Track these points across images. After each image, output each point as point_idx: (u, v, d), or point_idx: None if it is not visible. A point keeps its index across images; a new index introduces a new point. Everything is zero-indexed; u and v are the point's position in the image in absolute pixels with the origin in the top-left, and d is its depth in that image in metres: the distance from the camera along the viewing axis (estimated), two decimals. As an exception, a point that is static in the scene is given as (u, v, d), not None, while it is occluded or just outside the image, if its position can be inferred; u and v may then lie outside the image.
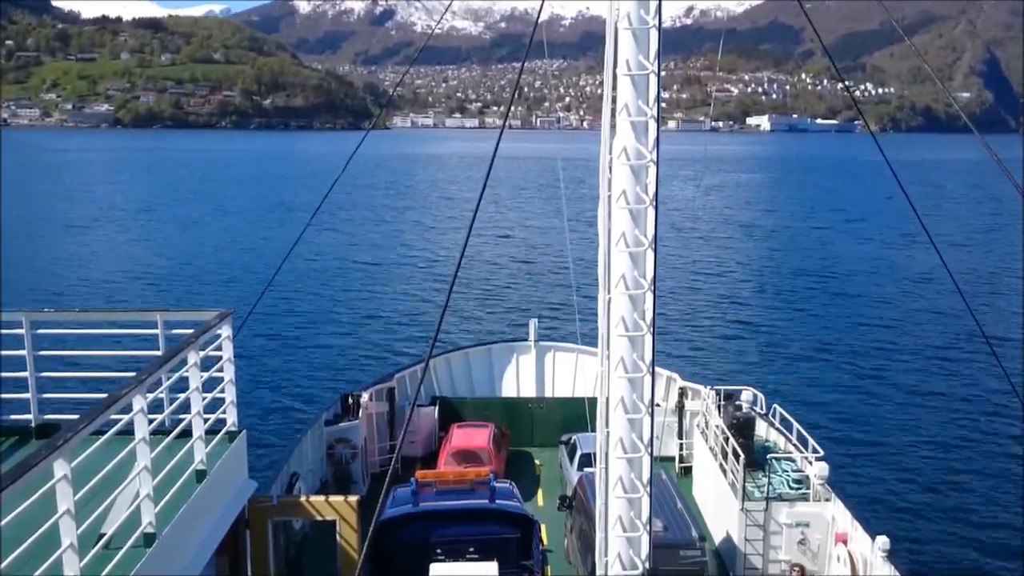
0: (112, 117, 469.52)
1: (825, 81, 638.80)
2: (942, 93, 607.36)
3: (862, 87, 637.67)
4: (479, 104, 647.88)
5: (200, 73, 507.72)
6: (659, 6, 8.93)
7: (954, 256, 69.91)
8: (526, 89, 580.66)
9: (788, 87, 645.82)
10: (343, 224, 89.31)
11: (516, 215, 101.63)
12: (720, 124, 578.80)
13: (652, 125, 9.04)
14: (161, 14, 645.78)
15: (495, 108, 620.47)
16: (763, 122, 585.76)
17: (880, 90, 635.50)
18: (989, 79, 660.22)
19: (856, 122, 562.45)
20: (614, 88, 9.21)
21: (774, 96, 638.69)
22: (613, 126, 9.23)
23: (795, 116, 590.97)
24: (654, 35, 8.93)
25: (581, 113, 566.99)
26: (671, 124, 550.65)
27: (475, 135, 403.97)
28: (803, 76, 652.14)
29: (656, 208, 9.12)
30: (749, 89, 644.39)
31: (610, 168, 9.27)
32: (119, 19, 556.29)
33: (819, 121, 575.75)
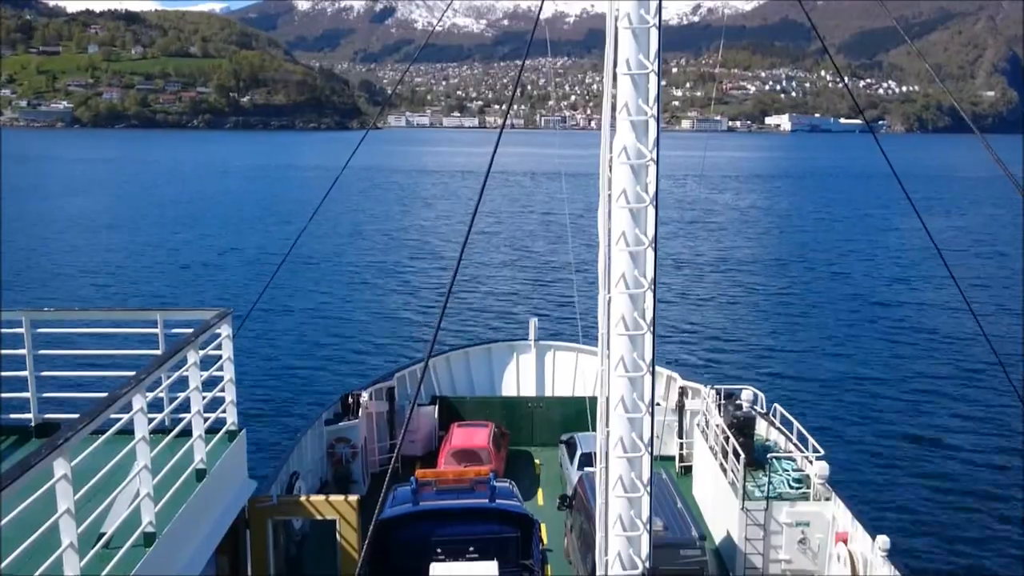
0: (70, 115, 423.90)
1: (846, 78, 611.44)
2: (963, 93, 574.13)
3: (885, 85, 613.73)
4: (480, 103, 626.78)
5: (172, 68, 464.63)
6: (659, 5, 8.91)
7: (957, 258, 69.89)
8: (529, 87, 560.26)
9: (807, 84, 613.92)
10: (343, 224, 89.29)
11: (516, 215, 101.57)
12: (737, 124, 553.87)
13: (652, 124, 9.02)
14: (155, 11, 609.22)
15: (496, 107, 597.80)
16: (783, 122, 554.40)
17: (904, 88, 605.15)
18: (1013, 77, 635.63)
19: (881, 122, 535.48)
20: (614, 87, 9.21)
21: (793, 94, 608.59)
22: (613, 126, 9.22)
23: (817, 115, 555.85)
24: (654, 34, 8.91)
25: (588, 111, 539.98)
26: (685, 123, 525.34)
27: (474, 137, 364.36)
28: (822, 73, 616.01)
29: (656, 207, 9.11)
30: (767, 87, 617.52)
31: (610, 167, 9.26)
32: (105, 13, 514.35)
33: (842, 121, 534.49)
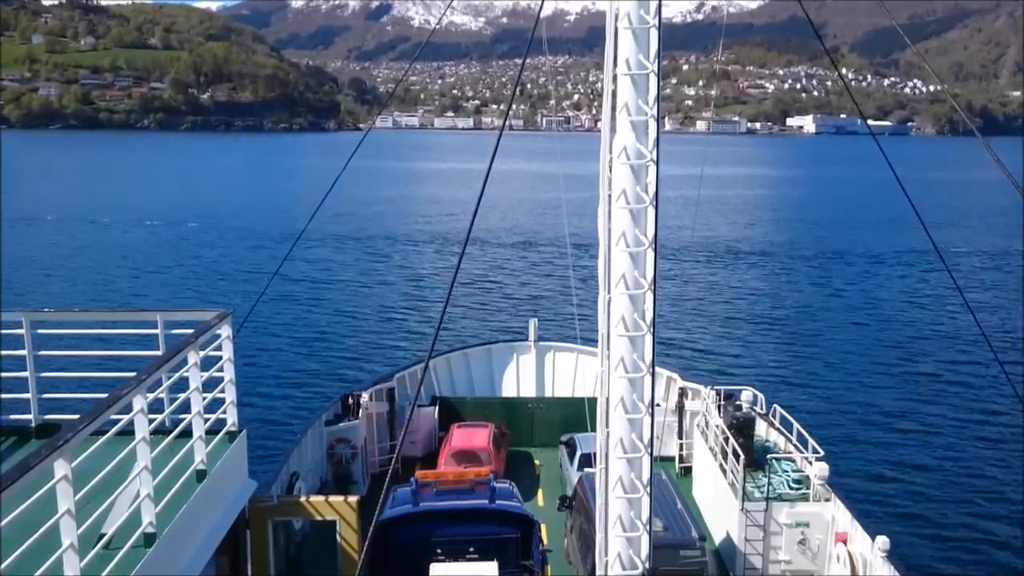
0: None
1: (869, 77, 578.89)
2: (991, 94, 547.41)
3: (911, 84, 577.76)
4: (476, 102, 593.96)
5: (124, 60, 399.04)
6: (659, 6, 8.92)
7: (957, 260, 69.92)
8: (529, 86, 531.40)
9: (829, 83, 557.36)
10: (343, 224, 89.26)
11: (517, 216, 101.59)
12: (757, 125, 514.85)
13: (652, 124, 9.04)
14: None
15: (494, 107, 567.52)
16: (806, 123, 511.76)
17: (931, 88, 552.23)
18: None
19: (910, 123, 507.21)
20: (615, 86, 9.22)
21: (815, 93, 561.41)
22: (614, 128, 9.23)
23: (843, 116, 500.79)
24: (654, 34, 8.92)
25: (593, 112, 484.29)
26: (700, 125, 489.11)
27: (468, 141, 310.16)
28: (844, 71, 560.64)
29: (656, 208, 9.12)
30: (786, 85, 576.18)
31: (610, 167, 9.27)
32: (65, 3, 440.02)
33: (870, 122, 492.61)
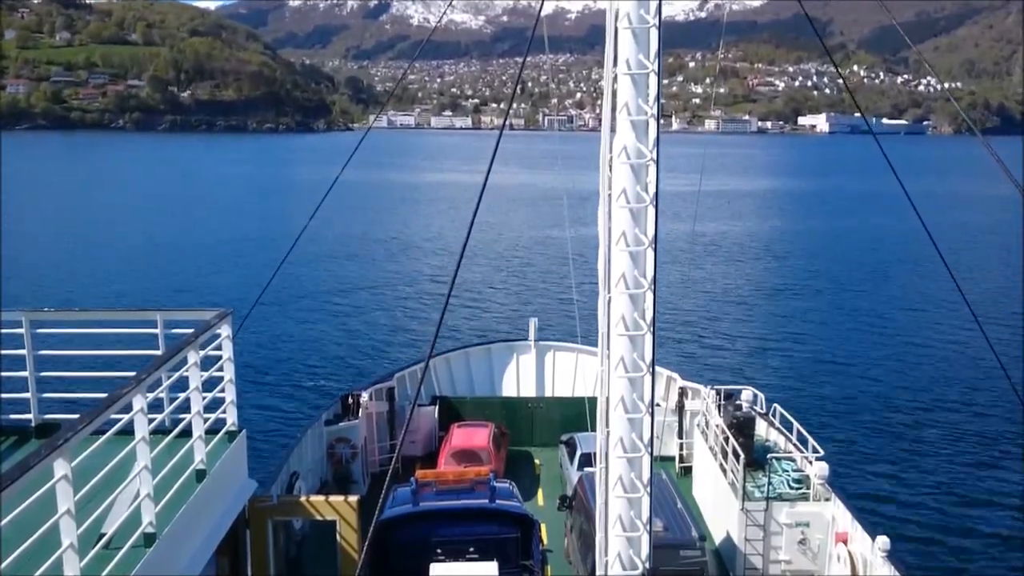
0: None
1: (882, 74, 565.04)
2: (1007, 91, 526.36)
3: (924, 81, 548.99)
4: (475, 101, 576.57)
5: (99, 56, 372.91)
6: (659, 5, 8.92)
7: (958, 259, 69.87)
8: (530, 84, 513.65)
9: (841, 80, 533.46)
10: (343, 224, 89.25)
11: (517, 215, 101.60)
12: (768, 125, 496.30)
13: (652, 124, 9.04)
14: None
15: (494, 105, 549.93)
16: (819, 122, 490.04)
17: (945, 85, 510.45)
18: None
19: (926, 122, 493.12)
20: (615, 85, 9.22)
21: (827, 91, 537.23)
22: (614, 128, 9.23)
23: (857, 115, 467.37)
24: (654, 34, 8.92)
25: (596, 110, 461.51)
26: (709, 124, 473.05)
27: (466, 143, 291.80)
28: (855, 68, 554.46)
29: (656, 207, 9.12)
30: (797, 83, 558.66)
31: (610, 167, 9.27)
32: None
33: (885, 121, 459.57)
